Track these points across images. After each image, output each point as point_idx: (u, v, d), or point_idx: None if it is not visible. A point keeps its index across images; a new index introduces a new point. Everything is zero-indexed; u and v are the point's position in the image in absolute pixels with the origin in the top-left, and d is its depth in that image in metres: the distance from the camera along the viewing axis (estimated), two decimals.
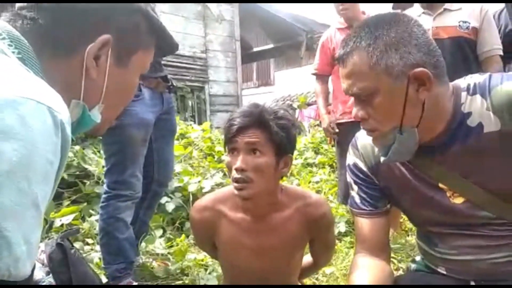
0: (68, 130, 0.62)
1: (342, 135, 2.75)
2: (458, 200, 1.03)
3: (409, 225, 2.83)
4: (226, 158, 1.27)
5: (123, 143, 1.86)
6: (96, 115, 0.78)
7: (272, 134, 1.21)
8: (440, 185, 1.05)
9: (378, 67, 0.93)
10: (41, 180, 0.57)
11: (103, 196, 1.92)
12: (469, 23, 2.32)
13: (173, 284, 2.05)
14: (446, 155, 1.01)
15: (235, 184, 1.22)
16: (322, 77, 2.95)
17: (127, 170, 1.88)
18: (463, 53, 2.32)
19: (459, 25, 2.32)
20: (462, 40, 2.32)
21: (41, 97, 0.58)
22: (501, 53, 2.34)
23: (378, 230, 1.16)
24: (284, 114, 1.26)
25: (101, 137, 1.95)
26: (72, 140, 0.68)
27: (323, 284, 2.10)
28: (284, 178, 3.91)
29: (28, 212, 0.55)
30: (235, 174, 1.21)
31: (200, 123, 6.61)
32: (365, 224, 1.17)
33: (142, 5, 0.81)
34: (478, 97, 0.97)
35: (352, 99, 1.02)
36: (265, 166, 1.21)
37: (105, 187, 1.93)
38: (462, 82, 1.03)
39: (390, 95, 0.94)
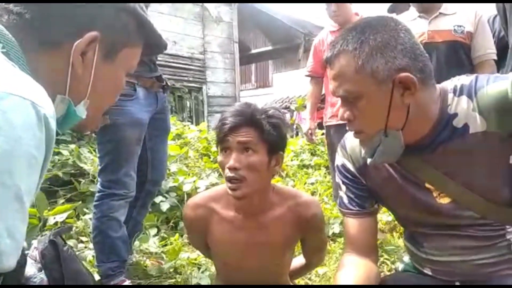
0: (53, 124, 0.62)
1: (332, 137, 2.83)
2: (444, 200, 1.05)
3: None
4: (219, 157, 1.28)
5: (117, 142, 1.86)
6: (81, 111, 0.78)
7: (264, 132, 1.22)
8: (427, 185, 1.06)
9: (363, 71, 0.94)
10: (25, 174, 0.57)
11: (97, 194, 1.92)
12: (464, 27, 2.34)
13: (165, 282, 2.05)
14: (433, 156, 1.02)
15: (229, 184, 1.23)
16: (315, 78, 2.99)
17: (121, 169, 1.88)
18: (458, 57, 2.34)
19: (454, 29, 2.34)
20: (457, 44, 2.34)
21: (25, 92, 0.59)
22: (495, 57, 2.36)
23: (365, 230, 1.17)
24: (274, 113, 1.27)
25: (96, 136, 1.93)
26: (58, 134, 0.68)
27: (316, 284, 2.11)
28: (280, 179, 3.92)
29: (11, 206, 0.56)
30: (228, 173, 1.22)
31: (197, 124, 6.61)
32: (352, 224, 1.18)
33: (131, 4, 0.81)
34: (464, 98, 0.99)
35: (339, 101, 1.04)
36: (258, 164, 1.22)
37: (99, 185, 1.93)
38: (449, 83, 1.04)
39: (375, 98, 0.96)
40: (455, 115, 0.99)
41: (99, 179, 1.94)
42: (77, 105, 0.77)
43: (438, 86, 1.03)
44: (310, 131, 3.02)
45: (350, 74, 0.96)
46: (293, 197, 1.36)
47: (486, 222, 1.03)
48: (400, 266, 1.33)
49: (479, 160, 0.98)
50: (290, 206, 1.35)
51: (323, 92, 3.09)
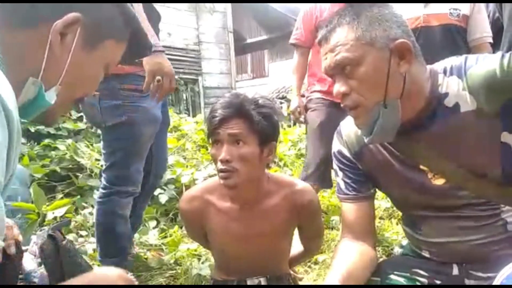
0: (10, 104, 0.59)
1: (313, 106, 2.56)
2: (439, 182, 1.06)
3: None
4: (211, 150, 1.28)
5: (132, 138, 1.80)
6: (51, 96, 0.74)
7: (254, 123, 1.22)
8: (421, 166, 1.07)
9: (363, 39, 0.97)
10: None
11: (102, 191, 1.87)
12: (460, 11, 2.32)
13: (166, 274, 2.06)
14: (425, 136, 1.03)
15: (221, 174, 1.23)
16: (302, 48, 2.60)
17: (133, 166, 1.84)
18: (453, 41, 2.33)
19: (450, 13, 2.32)
20: (453, 28, 2.33)
21: None
22: (491, 40, 2.35)
23: (363, 215, 1.18)
24: (264, 102, 1.27)
25: (103, 132, 1.88)
26: (23, 122, 0.65)
27: (315, 271, 2.13)
28: (277, 168, 3.91)
29: None
30: (220, 165, 1.22)
31: (194, 116, 6.60)
32: (350, 209, 1.19)
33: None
34: (454, 78, 1.00)
35: (330, 81, 1.04)
36: (250, 155, 1.22)
37: (104, 182, 1.87)
38: (439, 65, 1.05)
39: (374, 65, 0.97)
40: (446, 94, 1.00)
41: (104, 176, 1.88)
42: (47, 90, 0.73)
43: (428, 67, 1.04)
44: (298, 109, 2.60)
45: (349, 42, 0.97)
46: (289, 185, 1.37)
47: (481, 202, 1.04)
48: (398, 250, 1.35)
49: (471, 139, 0.99)
50: (285, 194, 1.35)
51: None
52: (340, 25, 0.99)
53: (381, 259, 2.13)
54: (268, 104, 1.27)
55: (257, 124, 1.22)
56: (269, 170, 1.38)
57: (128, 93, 1.74)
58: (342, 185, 1.20)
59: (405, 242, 1.31)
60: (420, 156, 1.06)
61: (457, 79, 0.99)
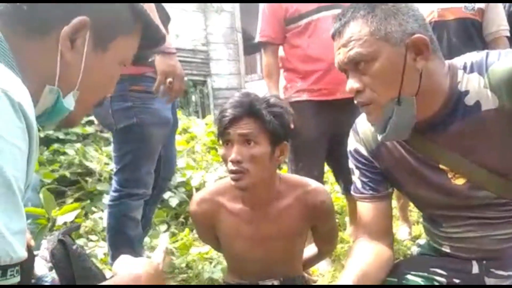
0: (30, 113, 0.60)
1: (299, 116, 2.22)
2: (460, 181, 1.03)
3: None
4: (221, 150, 1.25)
5: (143, 141, 1.78)
6: (70, 103, 0.75)
7: (265, 123, 1.19)
8: (441, 166, 1.04)
9: (378, 33, 0.93)
10: (12, 167, 0.57)
11: (113, 194, 1.86)
12: (475, 4, 2.26)
13: (178, 278, 2.04)
14: (445, 135, 1.00)
15: (232, 175, 1.21)
16: (273, 46, 2.26)
17: (143, 168, 1.82)
18: (469, 35, 2.28)
19: (465, 6, 2.26)
20: (468, 22, 2.27)
21: None
22: (508, 34, 2.28)
23: (379, 215, 1.15)
24: (276, 101, 1.24)
25: (114, 134, 1.86)
26: (41, 128, 0.66)
27: (331, 273, 2.08)
28: (284, 170, 3.87)
29: (3, 200, 0.56)
30: (230, 166, 1.20)
31: (203, 118, 6.59)
32: (366, 208, 1.17)
33: None
34: (475, 75, 0.96)
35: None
36: (260, 155, 1.19)
37: (115, 185, 1.86)
38: (459, 60, 1.02)
39: (389, 61, 0.94)
40: (466, 92, 0.97)
41: (115, 178, 1.87)
42: (65, 96, 0.74)
43: (447, 62, 1.01)
44: None
45: (363, 37, 0.94)
46: (301, 186, 1.34)
47: (503, 202, 1.01)
48: (415, 249, 1.32)
49: (493, 138, 0.96)
50: (298, 195, 1.32)
51: None
52: (354, 19, 0.96)
53: (397, 259, 2.10)
54: (279, 104, 1.24)
55: (269, 123, 1.19)
56: (280, 171, 1.34)
57: (138, 94, 1.72)
58: (359, 184, 1.18)
59: (422, 241, 1.29)
60: (440, 156, 1.03)
61: (478, 76, 0.96)
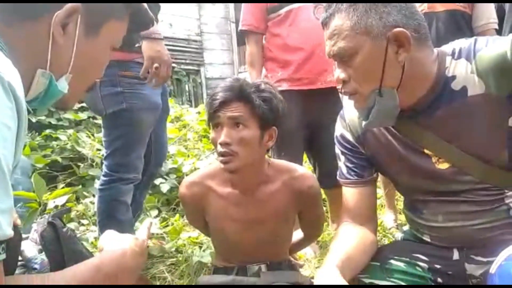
0: (19, 92, 0.61)
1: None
2: (443, 166, 1.04)
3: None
4: (211, 134, 1.27)
5: (133, 126, 1.80)
6: (63, 86, 0.77)
7: (255, 107, 1.21)
8: (426, 151, 1.06)
9: (358, 27, 0.95)
10: (2, 145, 0.57)
11: (103, 178, 1.88)
12: None
13: (167, 262, 2.06)
14: (431, 119, 1.02)
15: (221, 158, 1.23)
16: (256, 36, 2.24)
17: (133, 153, 1.84)
18: (458, 26, 2.29)
19: None
20: (458, 13, 2.28)
21: None
22: (497, 26, 2.30)
23: (364, 199, 1.18)
24: (265, 87, 1.26)
25: (104, 119, 1.88)
26: (32, 111, 0.67)
27: (317, 259, 2.12)
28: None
29: None
30: (220, 149, 1.21)
31: (196, 107, 6.58)
32: (351, 193, 1.19)
33: None
34: (463, 60, 0.98)
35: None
36: (249, 138, 1.21)
37: (105, 169, 1.88)
38: (448, 47, 1.03)
39: (370, 55, 0.95)
40: (453, 77, 0.98)
41: (105, 163, 1.89)
42: (58, 79, 0.75)
43: (436, 49, 1.02)
44: None
45: (344, 31, 0.96)
46: (289, 171, 1.36)
47: (485, 187, 1.02)
48: (399, 236, 1.34)
49: (478, 123, 0.98)
50: (285, 180, 1.34)
51: None
52: (338, 11, 0.97)
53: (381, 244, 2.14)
54: (268, 89, 1.26)
55: (258, 107, 1.21)
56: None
57: (127, 80, 1.73)
58: (344, 169, 1.20)
59: (406, 227, 1.31)
60: (425, 140, 1.04)
61: (466, 62, 0.97)
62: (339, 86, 1.05)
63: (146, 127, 1.86)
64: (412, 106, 1.01)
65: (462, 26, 2.30)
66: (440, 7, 2.28)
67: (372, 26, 0.94)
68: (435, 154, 1.05)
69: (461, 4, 2.27)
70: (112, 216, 1.86)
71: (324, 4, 1.02)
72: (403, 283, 1.10)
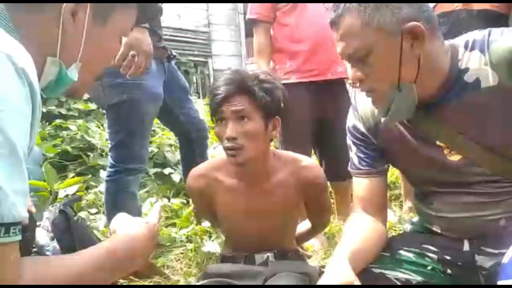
0: (33, 78, 0.62)
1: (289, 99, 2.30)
2: (455, 158, 1.04)
3: None
4: (215, 128, 1.28)
5: (135, 116, 1.81)
6: (73, 74, 0.77)
7: (257, 99, 1.22)
8: (438, 142, 1.05)
9: (370, 25, 0.93)
10: (16, 130, 0.59)
11: (109, 169, 1.90)
12: None
13: (176, 251, 2.09)
14: (444, 111, 1.01)
15: (228, 152, 1.24)
16: (264, 25, 2.21)
17: (137, 144, 1.86)
18: (493, 26, 2.22)
19: None
20: (493, 13, 2.19)
21: None
22: None
23: (375, 190, 1.18)
24: (266, 77, 1.27)
25: (106, 110, 1.89)
26: (42, 98, 0.67)
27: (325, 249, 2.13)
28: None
29: (7, 161, 0.58)
30: (226, 143, 1.23)
31: (204, 99, 6.59)
32: (362, 183, 1.19)
33: None
34: (476, 52, 0.97)
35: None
36: (255, 131, 1.23)
37: (111, 160, 1.90)
38: (461, 39, 1.02)
39: (385, 52, 0.94)
40: (466, 69, 0.98)
41: (110, 154, 1.90)
42: (68, 68, 0.76)
43: (448, 41, 1.02)
44: None
45: (356, 30, 0.94)
46: (294, 162, 1.37)
47: (497, 179, 1.02)
48: (408, 227, 1.33)
49: (491, 115, 0.97)
50: (291, 170, 1.35)
51: None
52: (348, 11, 0.95)
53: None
54: (269, 79, 1.27)
55: (260, 99, 1.22)
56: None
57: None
58: (356, 160, 1.20)
59: (415, 218, 1.31)
60: (438, 132, 1.04)
61: (479, 54, 0.96)
62: (352, 82, 1.05)
63: (148, 118, 1.87)
64: (426, 99, 1.01)
65: (497, 27, 2.22)
66: (475, 6, 2.19)
67: (385, 22, 0.92)
68: (448, 146, 1.04)
69: (496, 4, 2.21)
70: (119, 207, 1.84)
71: (332, 4, 1.01)
72: (413, 274, 1.10)
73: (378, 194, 1.19)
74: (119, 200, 1.87)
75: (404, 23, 0.92)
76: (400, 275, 1.09)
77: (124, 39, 1.49)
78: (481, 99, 0.97)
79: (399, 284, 1.09)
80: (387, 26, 0.93)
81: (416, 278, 1.09)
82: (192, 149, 2.12)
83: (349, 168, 1.24)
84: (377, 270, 1.09)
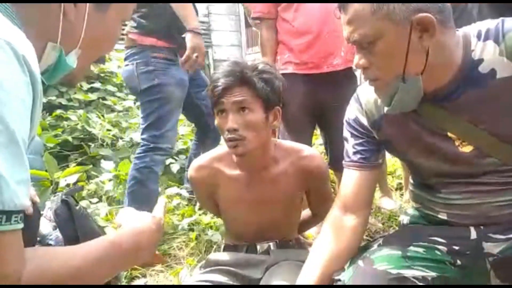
0: (34, 66, 0.61)
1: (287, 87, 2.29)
2: (467, 149, 1.02)
3: None
4: (216, 120, 1.29)
5: (163, 99, 2.10)
6: (72, 60, 0.77)
7: (257, 89, 1.22)
8: (449, 134, 1.04)
9: (379, 13, 0.91)
10: (17, 118, 0.58)
11: (140, 148, 2.13)
12: None
13: (178, 239, 2.10)
14: (457, 103, 0.99)
15: (229, 143, 1.24)
16: (268, 21, 2.26)
17: (166, 125, 2.11)
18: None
19: None
20: None
21: None
22: None
23: (363, 184, 1.16)
24: (265, 67, 1.27)
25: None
26: (45, 84, 0.66)
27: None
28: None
29: (7, 150, 0.57)
30: (227, 135, 1.23)
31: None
32: (352, 176, 1.17)
33: None
34: (490, 42, 0.95)
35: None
36: (256, 121, 1.23)
37: (143, 140, 2.14)
38: (472, 28, 0.99)
39: (392, 41, 0.92)
40: (481, 60, 0.96)
41: (142, 136, 2.16)
42: (68, 54, 0.76)
43: (459, 31, 0.99)
44: None
45: (365, 17, 0.92)
46: (296, 152, 1.37)
47: (508, 168, 1.01)
48: (404, 219, 1.29)
49: (506, 106, 0.96)
50: (293, 160, 1.36)
51: None
52: None
53: (392, 230, 2.12)
54: (268, 69, 1.27)
55: (260, 90, 1.22)
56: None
57: (159, 60, 2.09)
58: (350, 151, 1.18)
59: (410, 210, 1.27)
60: (449, 123, 1.02)
61: (493, 44, 0.94)
62: (357, 69, 1.03)
63: (176, 101, 2.15)
64: (437, 90, 0.99)
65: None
66: None
67: (395, 11, 0.89)
68: (460, 138, 1.02)
69: None
70: (142, 183, 2.07)
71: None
72: (426, 270, 1.05)
73: (366, 188, 1.17)
74: (144, 177, 2.07)
75: (415, 14, 0.89)
76: (417, 273, 1.04)
77: (188, 43, 1.93)
78: (497, 90, 0.95)
79: (419, 284, 1.04)
80: (396, 15, 0.90)
81: (431, 274, 1.05)
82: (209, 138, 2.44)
83: (343, 162, 1.22)
84: (395, 271, 1.03)
